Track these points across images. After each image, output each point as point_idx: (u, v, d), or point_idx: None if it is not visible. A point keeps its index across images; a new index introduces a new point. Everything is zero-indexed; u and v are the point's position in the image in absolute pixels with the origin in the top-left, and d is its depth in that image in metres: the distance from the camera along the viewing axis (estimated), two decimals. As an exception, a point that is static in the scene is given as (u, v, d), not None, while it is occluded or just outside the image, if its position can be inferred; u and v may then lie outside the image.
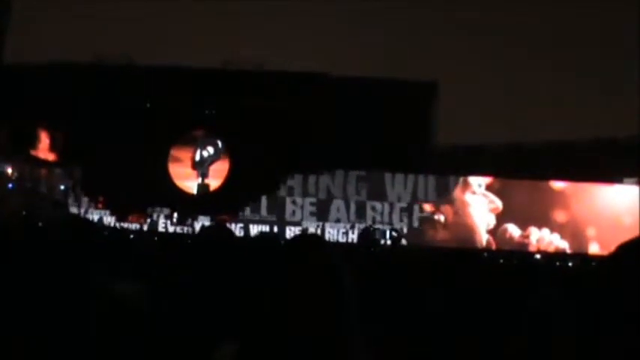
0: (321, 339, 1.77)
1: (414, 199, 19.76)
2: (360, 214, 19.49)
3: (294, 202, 19.58)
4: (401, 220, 19.57)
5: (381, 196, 19.75)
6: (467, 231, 19.33)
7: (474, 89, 20.88)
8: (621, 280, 1.21)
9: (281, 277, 1.81)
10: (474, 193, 19.66)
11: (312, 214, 19.53)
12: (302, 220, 19.37)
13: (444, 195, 19.75)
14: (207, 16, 22.04)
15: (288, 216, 19.51)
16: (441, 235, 19.19)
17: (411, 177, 19.75)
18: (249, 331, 1.78)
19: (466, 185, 19.72)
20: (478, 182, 19.67)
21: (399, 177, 19.78)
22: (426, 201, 19.75)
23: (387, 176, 19.73)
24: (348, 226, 19.16)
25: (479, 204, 19.64)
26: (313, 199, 19.63)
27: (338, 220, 19.39)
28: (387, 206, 19.70)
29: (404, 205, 19.72)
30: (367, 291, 2.83)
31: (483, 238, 19.43)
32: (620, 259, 1.26)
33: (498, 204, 19.52)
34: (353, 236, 18.71)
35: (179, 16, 21.14)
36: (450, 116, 19.68)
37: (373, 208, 19.65)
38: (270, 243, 2.77)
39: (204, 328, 2.17)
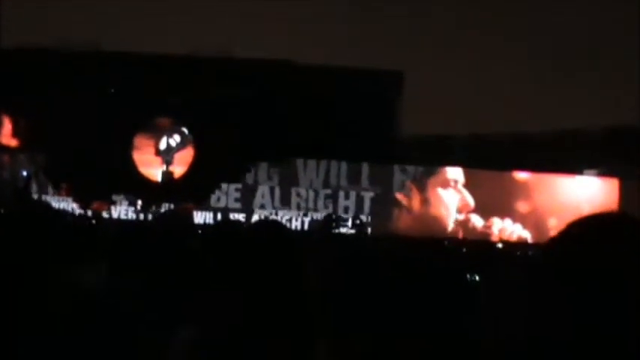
0: (284, 323, 1.80)
1: (379, 188, 19.84)
2: (327, 204, 19.55)
3: (260, 191, 19.60)
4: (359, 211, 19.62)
5: (346, 185, 19.81)
6: (432, 222, 19.46)
7: (439, 79, 20.99)
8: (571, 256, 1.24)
9: (243, 261, 1.84)
10: (445, 187, 19.78)
11: (282, 203, 19.55)
12: (272, 208, 19.38)
13: (404, 185, 19.87)
14: (175, 2, 21.86)
15: (257, 204, 19.52)
16: (406, 226, 19.30)
17: (376, 167, 19.83)
18: (208, 316, 1.81)
19: (437, 177, 19.84)
20: (454, 178, 19.78)
21: (364, 166, 19.84)
22: (391, 191, 19.85)
23: (352, 166, 19.79)
24: (315, 215, 19.21)
25: (449, 198, 19.77)
26: (371, 193, 19.64)
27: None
28: (353, 195, 19.76)
29: (372, 194, 19.80)
30: (331, 280, 2.87)
31: (448, 229, 19.58)
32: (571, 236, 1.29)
33: (470, 202, 19.64)
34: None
35: (147, 2, 20.93)
36: (415, 106, 19.77)
37: (339, 197, 19.72)
38: (231, 229, 2.79)
39: (163, 315, 2.19)
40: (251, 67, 19.64)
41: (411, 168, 19.87)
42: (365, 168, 19.74)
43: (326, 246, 4.57)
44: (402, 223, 19.45)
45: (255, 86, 19.40)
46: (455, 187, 19.77)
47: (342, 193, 19.69)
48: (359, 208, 19.49)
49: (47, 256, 2.33)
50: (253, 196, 19.56)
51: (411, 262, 3.79)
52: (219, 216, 18.73)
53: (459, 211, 19.70)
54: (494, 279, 3.47)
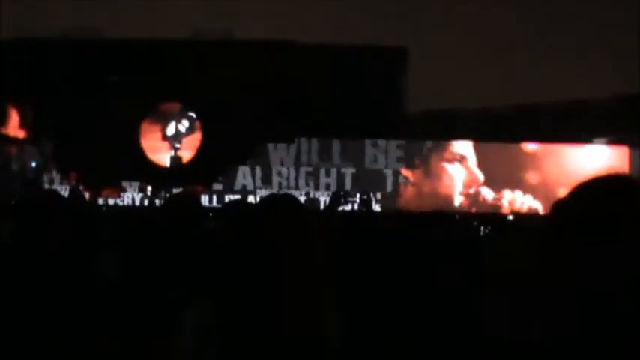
0: (296, 295, 1.81)
1: (388, 165, 19.83)
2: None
3: (277, 173, 19.63)
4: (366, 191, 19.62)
5: (356, 162, 19.80)
6: (440, 198, 19.44)
7: (444, 54, 20.88)
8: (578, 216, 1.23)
9: (257, 235, 1.85)
10: (452, 161, 19.76)
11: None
12: (287, 188, 19.41)
13: (415, 160, 19.85)
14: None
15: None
16: (414, 201, 19.29)
17: (383, 143, 19.80)
18: (223, 289, 1.82)
19: (444, 152, 19.82)
20: (460, 153, 19.73)
21: (372, 143, 19.81)
22: (400, 167, 19.84)
23: (421, 145, 19.72)
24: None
25: (457, 173, 19.74)
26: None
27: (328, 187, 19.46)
28: (334, 172, 19.75)
29: (378, 170, 19.79)
30: (340, 255, 2.87)
31: (455, 204, 19.55)
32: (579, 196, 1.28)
33: (479, 177, 19.61)
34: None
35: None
36: (420, 82, 19.69)
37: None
38: (241, 208, 2.80)
39: (176, 290, 2.21)
40: (254, 49, 19.60)
41: (416, 144, 19.83)
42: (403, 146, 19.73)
43: (336, 222, 4.58)
44: (410, 199, 19.44)
45: (259, 68, 19.36)
46: (462, 163, 19.73)
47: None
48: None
49: (60, 246, 2.34)
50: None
51: (420, 235, 3.78)
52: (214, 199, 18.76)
53: (468, 186, 19.68)
54: (505, 249, 3.46)
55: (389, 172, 19.77)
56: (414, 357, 2.60)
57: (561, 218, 1.24)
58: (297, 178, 19.62)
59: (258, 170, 19.61)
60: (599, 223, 1.17)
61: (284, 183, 19.54)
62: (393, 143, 19.72)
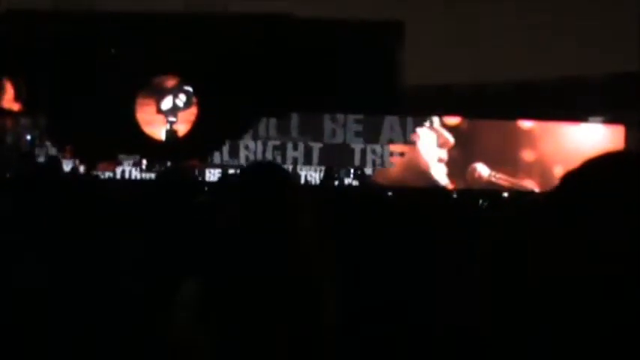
0: (296, 270, 1.80)
1: (407, 141, 19.84)
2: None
3: (244, 146, 19.58)
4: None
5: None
6: (421, 168, 19.51)
7: (440, 29, 20.79)
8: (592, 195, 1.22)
9: (249, 208, 1.83)
10: (425, 128, 19.83)
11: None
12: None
13: (408, 135, 19.87)
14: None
15: (242, 160, 19.57)
16: (405, 175, 19.32)
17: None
18: (213, 267, 1.81)
19: (422, 124, 19.87)
20: (433, 119, 19.79)
21: (391, 120, 19.80)
22: (393, 141, 19.84)
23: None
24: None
25: (428, 139, 19.79)
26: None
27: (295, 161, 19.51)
28: (377, 149, 19.76)
29: (375, 145, 19.80)
30: (336, 231, 2.87)
31: (440, 173, 19.58)
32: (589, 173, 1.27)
33: (449, 138, 19.65)
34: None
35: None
36: (416, 57, 19.62)
37: (374, 152, 19.72)
38: (230, 181, 2.79)
39: (169, 267, 2.20)
40: (250, 22, 19.50)
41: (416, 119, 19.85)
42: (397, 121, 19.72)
43: (329, 197, 4.58)
44: (394, 171, 19.51)
45: (255, 41, 19.28)
46: (430, 127, 19.79)
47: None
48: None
49: (56, 218, 2.33)
50: None
51: (418, 211, 3.79)
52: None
53: (440, 147, 19.72)
54: (502, 227, 3.47)
55: (357, 147, 19.74)
56: (414, 334, 2.60)
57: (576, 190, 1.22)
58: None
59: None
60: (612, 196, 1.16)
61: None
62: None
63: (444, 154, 19.68)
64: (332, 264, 1.88)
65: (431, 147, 19.69)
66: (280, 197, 1.91)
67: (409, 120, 19.78)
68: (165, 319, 1.84)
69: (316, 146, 19.69)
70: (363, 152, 19.79)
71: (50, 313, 2.14)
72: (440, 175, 19.60)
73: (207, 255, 1.92)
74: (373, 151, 19.77)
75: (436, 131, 19.72)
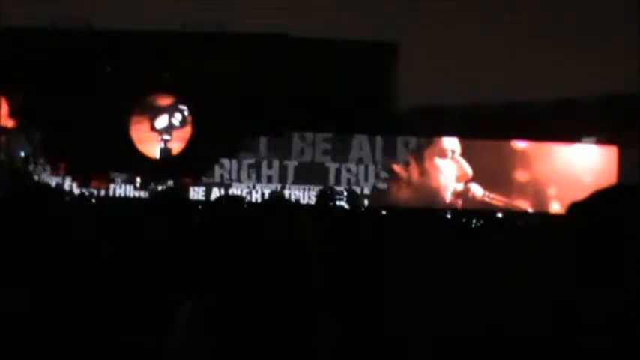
0: (287, 295, 1.81)
1: (376, 160, 19.85)
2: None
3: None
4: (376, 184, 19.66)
5: (344, 157, 19.81)
6: (431, 193, 19.47)
7: (434, 50, 20.89)
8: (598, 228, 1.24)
9: (249, 235, 1.85)
10: (444, 157, 19.78)
11: (281, 177, 19.57)
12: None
13: (404, 156, 19.88)
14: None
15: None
16: (403, 197, 19.33)
17: (371, 138, 19.83)
18: (212, 289, 1.82)
19: (434, 148, 19.85)
20: (451, 148, 19.77)
21: (360, 138, 19.82)
22: (389, 162, 19.85)
23: (351, 138, 19.78)
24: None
25: (447, 168, 19.77)
26: (295, 163, 19.67)
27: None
28: (352, 167, 19.77)
29: (366, 166, 19.80)
30: (331, 253, 2.88)
31: (447, 200, 19.59)
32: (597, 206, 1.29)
33: (468, 171, 19.64)
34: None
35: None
36: (410, 78, 19.69)
37: (349, 170, 19.73)
38: (234, 204, 2.79)
39: (169, 289, 2.20)
40: (246, 42, 19.56)
41: (407, 139, 19.88)
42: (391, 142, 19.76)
43: (325, 218, 4.58)
44: (402, 194, 19.46)
45: (251, 60, 19.34)
46: (452, 157, 19.78)
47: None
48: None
49: (47, 237, 2.32)
50: None
51: (412, 231, 3.79)
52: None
53: (458, 180, 19.73)
54: (496, 247, 3.47)
55: (332, 166, 19.73)
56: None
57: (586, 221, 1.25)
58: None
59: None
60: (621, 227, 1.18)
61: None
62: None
63: (460, 187, 19.67)
64: (330, 285, 1.89)
65: (449, 180, 19.65)
66: (279, 218, 1.92)
67: (378, 139, 19.78)
68: (163, 339, 1.85)
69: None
70: (338, 171, 19.76)
71: (37, 334, 2.13)
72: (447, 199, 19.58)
73: (204, 275, 1.93)
74: (348, 170, 19.75)
75: (457, 162, 19.69)
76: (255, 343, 1.81)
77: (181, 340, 1.86)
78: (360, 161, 19.78)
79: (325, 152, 19.78)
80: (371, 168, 19.76)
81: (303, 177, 19.33)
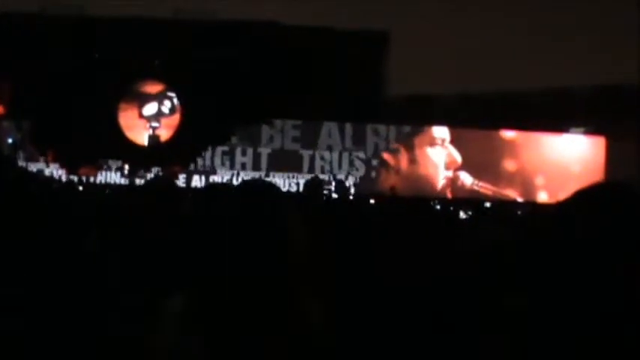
0: (274, 284, 1.80)
1: (366, 149, 19.84)
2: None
3: (248, 153, 19.56)
4: (350, 171, 19.64)
5: (334, 146, 19.77)
6: (420, 182, 19.47)
7: (425, 39, 20.89)
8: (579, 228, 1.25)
9: (235, 225, 1.84)
10: (433, 145, 19.78)
11: (270, 164, 19.53)
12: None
13: (394, 145, 19.88)
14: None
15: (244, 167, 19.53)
16: (392, 186, 19.34)
17: (362, 126, 19.81)
18: (198, 282, 1.80)
19: (425, 136, 19.84)
20: (441, 136, 19.76)
21: (330, 126, 19.77)
22: (380, 150, 19.85)
23: (339, 126, 19.75)
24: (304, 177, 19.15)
25: (437, 156, 19.77)
26: (268, 150, 19.65)
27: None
28: (336, 155, 19.73)
29: (357, 154, 19.79)
30: (321, 242, 2.87)
31: (437, 188, 19.61)
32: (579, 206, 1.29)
33: (457, 158, 19.65)
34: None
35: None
36: (401, 66, 19.69)
37: (322, 158, 19.71)
38: (220, 192, 2.78)
39: (154, 280, 2.19)
40: (236, 30, 19.48)
41: (395, 128, 19.88)
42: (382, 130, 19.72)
43: (314, 208, 4.58)
44: (391, 182, 19.46)
45: (241, 48, 19.27)
46: (442, 145, 19.79)
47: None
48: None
49: (36, 224, 2.31)
50: None
51: (401, 220, 3.79)
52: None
53: (447, 167, 19.76)
54: (484, 237, 3.49)
55: (305, 153, 19.68)
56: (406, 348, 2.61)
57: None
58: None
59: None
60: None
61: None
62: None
63: (449, 174, 19.67)
64: (323, 276, 1.89)
65: (439, 166, 19.64)
66: (270, 210, 1.91)
67: (347, 126, 19.73)
68: (152, 331, 1.84)
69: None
70: (312, 159, 19.76)
71: (29, 326, 2.12)
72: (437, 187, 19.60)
73: (194, 267, 1.92)
74: (322, 158, 19.71)
75: (446, 149, 19.67)
76: (246, 335, 1.81)
77: (168, 335, 1.85)
78: (329, 148, 19.71)
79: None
80: (344, 154, 19.70)
81: (277, 165, 19.31)
